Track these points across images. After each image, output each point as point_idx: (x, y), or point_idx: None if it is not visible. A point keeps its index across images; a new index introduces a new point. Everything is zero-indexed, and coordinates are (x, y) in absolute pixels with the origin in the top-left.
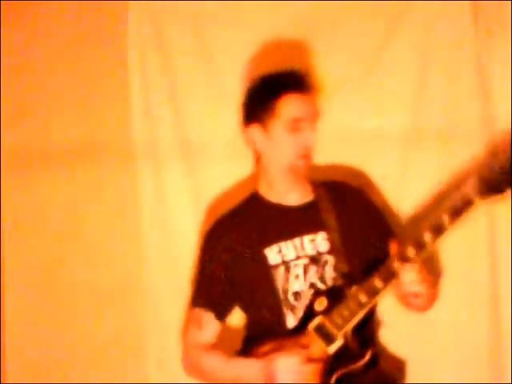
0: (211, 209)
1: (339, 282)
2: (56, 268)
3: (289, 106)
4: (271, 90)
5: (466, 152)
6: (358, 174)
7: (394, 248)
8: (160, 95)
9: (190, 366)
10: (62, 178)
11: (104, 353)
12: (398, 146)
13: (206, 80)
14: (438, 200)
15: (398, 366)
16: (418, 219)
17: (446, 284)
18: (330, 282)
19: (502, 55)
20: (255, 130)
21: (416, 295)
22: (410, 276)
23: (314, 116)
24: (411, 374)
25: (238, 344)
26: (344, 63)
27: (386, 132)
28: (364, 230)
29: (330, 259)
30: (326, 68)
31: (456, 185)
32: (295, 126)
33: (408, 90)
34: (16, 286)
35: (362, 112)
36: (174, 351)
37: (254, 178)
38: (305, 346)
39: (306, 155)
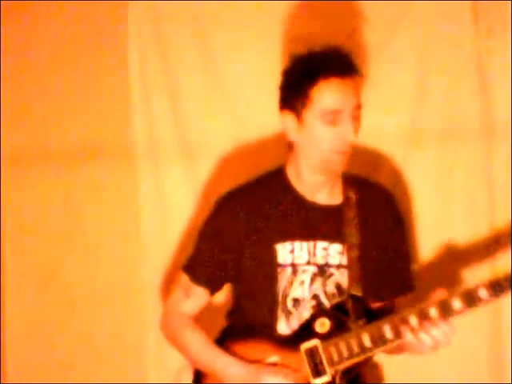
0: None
1: (341, 300)
2: (56, 268)
3: (325, 94)
4: (306, 73)
5: (466, 152)
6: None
7: (442, 294)
8: (160, 95)
9: (168, 332)
10: (62, 177)
11: (104, 353)
12: (398, 145)
13: (206, 80)
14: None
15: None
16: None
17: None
18: (330, 298)
19: (502, 55)
20: (288, 117)
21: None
22: (442, 333)
23: (355, 106)
24: (411, 374)
25: (220, 320)
26: None
27: (386, 132)
28: (385, 244)
29: (336, 275)
30: None
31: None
32: (332, 118)
33: (408, 90)
34: (16, 286)
35: (362, 112)
36: (174, 351)
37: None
38: (295, 369)
39: (344, 152)
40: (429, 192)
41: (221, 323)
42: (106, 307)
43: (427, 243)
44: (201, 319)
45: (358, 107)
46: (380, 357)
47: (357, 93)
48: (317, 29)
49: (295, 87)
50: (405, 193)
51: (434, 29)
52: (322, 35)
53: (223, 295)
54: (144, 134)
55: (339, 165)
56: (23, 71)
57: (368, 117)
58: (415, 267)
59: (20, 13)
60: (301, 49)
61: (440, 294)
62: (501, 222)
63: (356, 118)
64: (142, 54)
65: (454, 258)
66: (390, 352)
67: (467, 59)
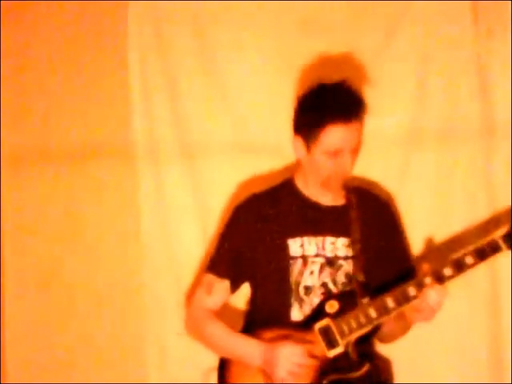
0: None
1: (350, 287)
2: (56, 268)
3: (331, 138)
4: (317, 116)
5: (466, 152)
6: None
7: (426, 267)
8: (160, 95)
9: (193, 326)
10: (62, 178)
11: (104, 353)
12: (398, 146)
13: (206, 80)
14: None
15: (389, 370)
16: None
17: (446, 284)
18: (340, 287)
19: (501, 55)
20: (299, 142)
21: (419, 310)
22: (437, 297)
23: (355, 145)
24: (412, 374)
25: (238, 325)
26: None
27: (386, 132)
28: (384, 243)
29: (345, 265)
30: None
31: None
32: (335, 153)
33: (408, 90)
34: (16, 286)
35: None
36: (174, 351)
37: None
38: (310, 342)
39: (340, 179)
40: (429, 192)
41: (238, 326)
42: (106, 307)
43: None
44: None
45: (359, 143)
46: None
47: (360, 132)
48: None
49: (307, 125)
50: (402, 194)
51: (434, 29)
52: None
53: (240, 298)
54: (144, 134)
55: (337, 185)
56: (23, 71)
57: (368, 117)
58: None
59: (20, 13)
60: (301, 49)
61: (425, 266)
62: (501, 222)
63: (355, 151)
64: (142, 54)
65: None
66: (394, 334)
67: (467, 59)
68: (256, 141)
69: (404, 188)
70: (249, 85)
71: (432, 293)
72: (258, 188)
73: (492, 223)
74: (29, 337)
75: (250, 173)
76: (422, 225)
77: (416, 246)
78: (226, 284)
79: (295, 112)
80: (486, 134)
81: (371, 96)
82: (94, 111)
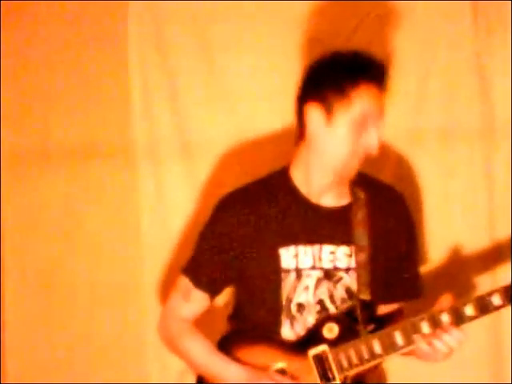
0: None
1: (350, 305)
2: (56, 268)
3: (365, 99)
4: (348, 70)
5: (465, 152)
6: None
7: (447, 300)
8: (160, 95)
9: (167, 337)
10: (62, 177)
11: (104, 353)
12: (398, 145)
13: (206, 80)
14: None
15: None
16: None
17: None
18: (338, 302)
19: (501, 55)
20: (315, 110)
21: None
22: (453, 343)
23: (381, 115)
24: (411, 374)
25: (220, 323)
26: None
27: (387, 132)
28: (394, 246)
29: (345, 278)
30: None
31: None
32: (363, 122)
33: (408, 90)
34: (16, 286)
35: None
36: None
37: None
38: (302, 376)
39: (360, 161)
40: (429, 192)
41: (221, 325)
42: (106, 307)
43: (427, 243)
44: (201, 323)
45: (383, 115)
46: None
47: (384, 101)
48: (319, 29)
49: (334, 82)
50: (411, 193)
51: (434, 29)
52: (324, 35)
53: (224, 298)
54: (144, 134)
55: (354, 169)
56: (23, 71)
57: None
58: (424, 268)
59: (20, 13)
60: (301, 49)
61: (446, 299)
62: (501, 222)
63: (379, 128)
64: (142, 54)
65: (454, 258)
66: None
67: (467, 59)
68: (256, 141)
69: (404, 188)
70: (249, 85)
71: (448, 338)
72: None
73: (492, 223)
74: (29, 337)
75: (249, 173)
76: (422, 225)
77: (424, 245)
78: (205, 295)
79: (308, 78)
80: (486, 134)
81: None
82: (94, 111)
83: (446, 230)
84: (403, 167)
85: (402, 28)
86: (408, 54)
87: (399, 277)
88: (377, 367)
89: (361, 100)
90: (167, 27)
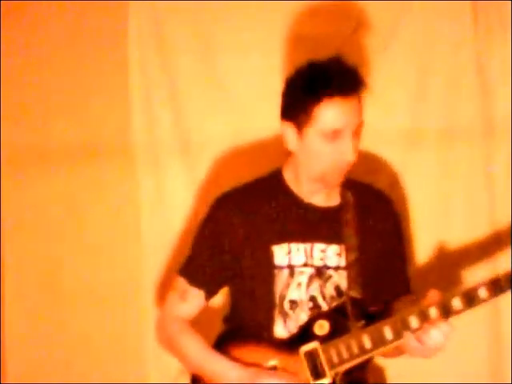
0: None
1: (340, 302)
2: (56, 268)
3: (328, 114)
4: (309, 89)
5: (466, 152)
6: None
7: (434, 295)
8: (160, 95)
9: (164, 337)
10: (62, 177)
11: (104, 353)
12: (398, 146)
13: (206, 80)
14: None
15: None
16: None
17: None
18: (329, 301)
19: (501, 55)
20: (289, 128)
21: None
22: (441, 338)
23: (356, 127)
24: (411, 374)
25: (217, 323)
26: None
27: (386, 132)
28: (382, 246)
29: (335, 277)
30: None
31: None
32: (333, 136)
33: (408, 90)
34: (16, 286)
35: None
36: None
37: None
38: (294, 372)
39: (342, 168)
40: (429, 192)
41: (218, 327)
42: (106, 307)
43: (427, 243)
44: (198, 323)
45: (360, 125)
46: (379, 359)
47: (359, 110)
48: (318, 29)
49: (298, 102)
50: (403, 193)
51: (434, 29)
52: (324, 35)
53: (221, 299)
54: (144, 134)
55: (337, 179)
56: (23, 71)
57: (368, 117)
58: (412, 268)
59: (20, 13)
60: (301, 49)
61: (433, 294)
62: (501, 222)
63: (357, 135)
64: (142, 54)
65: (454, 258)
66: (389, 355)
67: (467, 59)
68: (256, 141)
69: (404, 188)
70: (249, 85)
71: (435, 333)
72: None
73: (492, 223)
74: (29, 337)
75: (249, 173)
76: (422, 225)
77: (416, 246)
78: (201, 292)
79: (284, 95)
80: (486, 134)
81: (371, 96)
82: (94, 111)
83: (445, 229)
84: (398, 171)
85: (401, 28)
86: (408, 53)
87: (388, 276)
88: (369, 363)
89: (325, 115)
90: (167, 27)
